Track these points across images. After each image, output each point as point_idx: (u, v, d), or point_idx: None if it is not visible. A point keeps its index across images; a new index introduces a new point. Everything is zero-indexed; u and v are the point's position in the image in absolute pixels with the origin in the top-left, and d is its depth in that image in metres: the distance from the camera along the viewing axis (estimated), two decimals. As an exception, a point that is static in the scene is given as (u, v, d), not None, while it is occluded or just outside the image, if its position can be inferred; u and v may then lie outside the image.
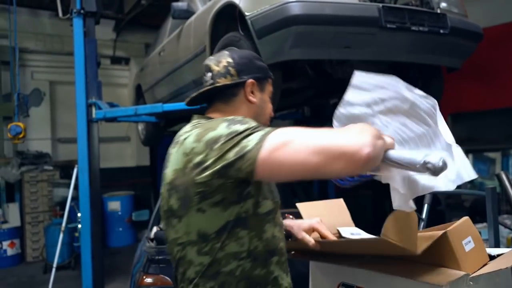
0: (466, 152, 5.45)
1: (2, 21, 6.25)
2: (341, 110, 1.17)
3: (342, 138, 0.93)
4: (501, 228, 2.65)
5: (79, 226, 4.41)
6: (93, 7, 4.32)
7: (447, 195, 5.27)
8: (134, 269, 2.85)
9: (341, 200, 1.85)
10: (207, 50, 3.28)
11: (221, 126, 1.06)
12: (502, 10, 4.70)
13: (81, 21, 4.27)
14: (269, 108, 1.31)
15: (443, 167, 0.90)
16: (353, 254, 1.30)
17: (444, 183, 1.02)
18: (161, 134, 5.65)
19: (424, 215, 2.64)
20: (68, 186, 4.97)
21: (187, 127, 1.19)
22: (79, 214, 4.45)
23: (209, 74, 1.24)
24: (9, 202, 6.27)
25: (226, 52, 1.27)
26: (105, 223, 6.73)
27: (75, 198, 5.00)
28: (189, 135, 1.12)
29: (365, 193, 5.86)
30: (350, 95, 1.16)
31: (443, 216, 4.70)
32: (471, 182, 5.42)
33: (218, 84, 1.21)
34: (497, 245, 1.78)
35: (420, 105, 1.09)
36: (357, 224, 1.58)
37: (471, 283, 1.08)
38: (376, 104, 1.13)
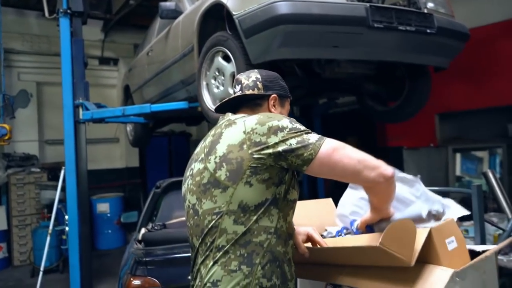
0: (454, 151, 5.48)
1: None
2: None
3: (374, 158, 1.22)
4: (488, 225, 2.67)
5: (67, 228, 4.36)
6: (80, 7, 4.29)
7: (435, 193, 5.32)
8: (122, 272, 2.82)
9: (330, 200, 1.85)
10: (195, 49, 3.27)
11: (285, 120, 1.25)
12: (489, 10, 4.74)
13: (67, 21, 4.23)
14: None
15: (445, 212, 1.18)
16: (345, 264, 1.29)
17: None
18: (150, 135, 5.61)
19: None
20: (56, 188, 4.91)
21: (235, 116, 1.37)
22: (66, 217, 4.40)
23: (239, 86, 1.45)
24: (-5, 205, 6.18)
25: (255, 70, 1.49)
26: (93, 225, 6.66)
27: (62, 201, 4.94)
28: (248, 119, 1.29)
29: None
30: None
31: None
32: (460, 180, 5.47)
33: (247, 93, 1.41)
34: (483, 242, 1.79)
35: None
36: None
37: (457, 279, 1.08)
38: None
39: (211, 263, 1.23)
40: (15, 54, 6.81)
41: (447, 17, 2.96)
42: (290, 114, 4.90)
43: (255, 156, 1.21)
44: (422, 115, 3.76)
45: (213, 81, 3.10)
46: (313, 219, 1.64)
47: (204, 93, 3.21)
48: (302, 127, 1.24)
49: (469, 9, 4.51)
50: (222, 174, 1.24)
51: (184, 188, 1.41)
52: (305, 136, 1.21)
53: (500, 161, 5.09)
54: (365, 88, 3.56)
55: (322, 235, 1.51)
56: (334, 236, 1.51)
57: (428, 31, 2.76)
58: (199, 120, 5.55)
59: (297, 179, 1.35)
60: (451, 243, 1.15)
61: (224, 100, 1.45)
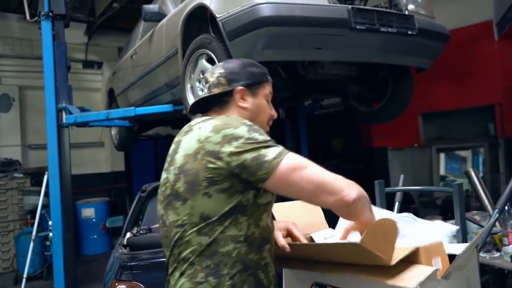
0: (438, 151, 5.56)
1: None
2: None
3: (338, 181, 1.12)
4: (471, 224, 2.72)
5: (50, 234, 4.29)
6: (62, 10, 4.23)
7: (419, 193, 5.39)
8: (107, 277, 2.78)
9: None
10: (179, 52, 3.25)
11: (242, 128, 1.16)
12: (469, 12, 4.83)
13: (49, 24, 4.17)
14: (265, 110, 1.38)
15: None
16: (325, 261, 1.30)
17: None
18: (135, 138, 5.57)
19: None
20: (39, 193, 4.83)
21: (196, 120, 1.30)
22: (50, 222, 4.33)
23: (207, 85, 1.38)
24: (-23, 212, 6.05)
25: (220, 64, 1.41)
26: (79, 230, 6.58)
27: (46, 206, 4.86)
28: (204, 125, 1.21)
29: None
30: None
31: (417, 214, 4.77)
32: (444, 180, 5.56)
33: (211, 94, 1.34)
34: (464, 240, 1.82)
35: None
36: (334, 226, 1.58)
37: (440, 278, 1.09)
38: None
39: (178, 274, 1.20)
40: (-5, 58, 6.70)
41: (427, 19, 3.00)
42: (279, 118, 4.90)
43: (209, 166, 1.14)
44: (406, 115, 3.82)
45: (197, 83, 3.10)
46: (298, 220, 1.64)
47: (188, 96, 3.20)
48: (261, 137, 1.15)
49: (449, 11, 4.59)
50: (180, 186, 1.19)
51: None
52: (262, 151, 1.12)
53: (483, 160, 5.19)
54: (349, 89, 3.60)
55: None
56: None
57: (409, 32, 2.80)
58: (184, 123, 5.51)
59: None
60: (437, 264, 1.16)
61: (192, 102, 1.40)
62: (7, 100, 6.75)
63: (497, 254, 2.45)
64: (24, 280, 4.57)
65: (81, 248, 6.68)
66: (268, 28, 2.49)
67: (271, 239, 1.29)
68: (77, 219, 6.38)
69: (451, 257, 1.20)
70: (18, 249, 5.67)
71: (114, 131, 5.67)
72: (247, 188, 1.17)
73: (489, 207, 2.95)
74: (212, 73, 1.37)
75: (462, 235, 1.83)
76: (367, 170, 5.84)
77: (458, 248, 1.29)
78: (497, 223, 2.46)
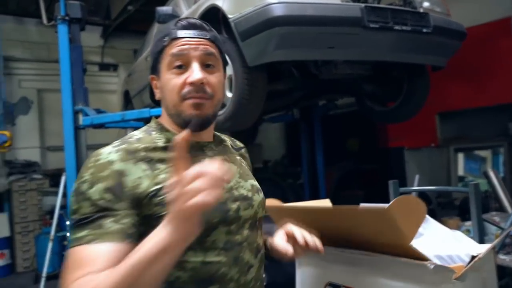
0: (456, 151, 5.44)
1: (-13, 30, 6.21)
2: None
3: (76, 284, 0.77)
4: (490, 225, 2.65)
5: (68, 234, 4.36)
6: (78, 14, 4.29)
7: (437, 194, 5.30)
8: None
9: (328, 200, 1.83)
10: (192, 53, 3.27)
11: (75, 195, 0.87)
12: (486, 9, 4.73)
13: (66, 28, 4.24)
14: (168, 85, 0.97)
15: None
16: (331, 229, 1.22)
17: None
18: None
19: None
20: (57, 194, 4.91)
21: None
22: (68, 223, 4.40)
23: None
24: (-3, 212, 6.20)
25: None
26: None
27: (64, 207, 4.94)
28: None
29: (357, 194, 5.87)
30: None
31: (435, 215, 4.70)
32: (462, 180, 5.45)
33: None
34: (481, 241, 1.78)
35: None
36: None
37: (456, 281, 1.07)
38: None
39: None
40: (15, 62, 6.83)
41: (443, 16, 2.95)
42: (290, 117, 4.89)
43: None
44: (423, 115, 3.75)
45: (210, 84, 3.10)
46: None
47: (201, 97, 3.21)
48: (72, 208, 0.87)
49: (466, 8, 4.51)
50: None
51: None
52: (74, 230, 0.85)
53: (504, 160, 5.07)
54: (363, 88, 3.56)
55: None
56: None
57: (424, 30, 2.76)
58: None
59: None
60: None
61: None
62: (26, 103, 6.89)
63: (517, 256, 2.40)
64: (43, 279, 4.65)
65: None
66: (280, 27, 2.48)
67: (218, 277, 0.94)
68: (94, 219, 6.45)
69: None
70: (38, 248, 5.78)
71: (130, 132, 5.72)
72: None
73: (508, 208, 2.89)
74: None
75: (479, 236, 1.79)
76: (383, 170, 5.77)
77: (475, 249, 1.26)
78: (516, 224, 2.40)
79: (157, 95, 1.02)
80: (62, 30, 4.23)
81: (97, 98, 6.57)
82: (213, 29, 1.03)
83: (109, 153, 0.91)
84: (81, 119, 4.28)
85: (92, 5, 6.42)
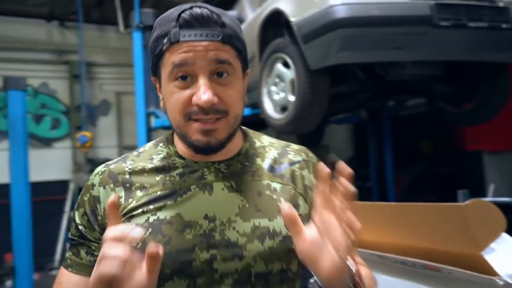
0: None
1: (73, 38, 6.76)
2: None
3: None
4: None
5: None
6: (151, 21, 4.53)
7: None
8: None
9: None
10: (256, 58, 3.30)
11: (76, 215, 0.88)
12: None
13: (140, 35, 4.49)
14: (171, 99, 0.79)
15: None
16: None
17: None
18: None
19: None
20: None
21: None
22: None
23: None
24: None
25: None
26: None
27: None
28: None
29: (430, 199, 5.56)
30: None
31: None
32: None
33: None
34: None
35: None
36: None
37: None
38: None
39: None
40: (97, 67, 7.39)
41: (526, 10, 2.70)
42: (356, 118, 4.77)
43: None
44: (506, 115, 3.46)
45: (273, 87, 3.12)
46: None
47: (265, 100, 3.24)
48: (73, 231, 0.85)
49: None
50: None
51: None
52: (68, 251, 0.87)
53: None
54: (434, 89, 3.36)
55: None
56: None
57: (504, 26, 2.54)
58: (261, 126, 5.61)
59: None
60: None
61: None
62: (106, 105, 7.42)
63: None
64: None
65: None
66: (343, 29, 2.42)
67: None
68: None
69: None
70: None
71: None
72: None
73: None
74: None
75: None
76: (459, 175, 5.41)
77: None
78: None
79: (161, 104, 0.85)
80: (137, 36, 4.49)
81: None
82: (226, 20, 0.78)
83: (96, 174, 0.87)
84: (153, 121, 4.52)
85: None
